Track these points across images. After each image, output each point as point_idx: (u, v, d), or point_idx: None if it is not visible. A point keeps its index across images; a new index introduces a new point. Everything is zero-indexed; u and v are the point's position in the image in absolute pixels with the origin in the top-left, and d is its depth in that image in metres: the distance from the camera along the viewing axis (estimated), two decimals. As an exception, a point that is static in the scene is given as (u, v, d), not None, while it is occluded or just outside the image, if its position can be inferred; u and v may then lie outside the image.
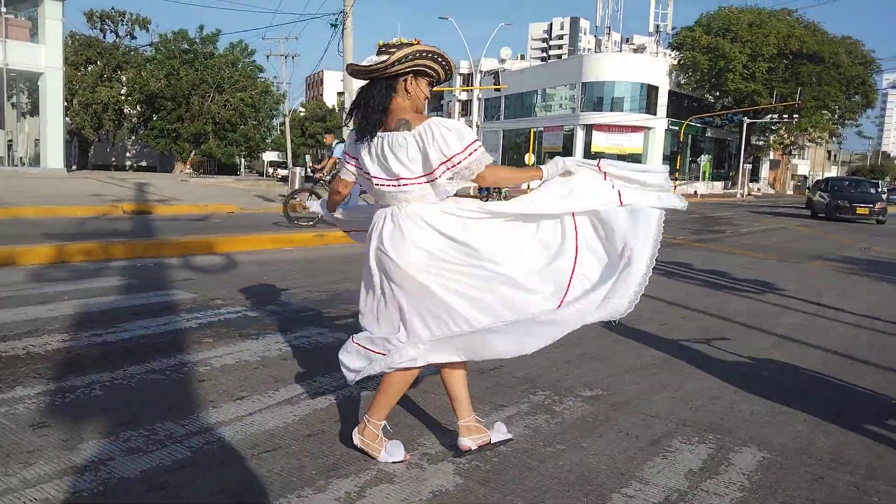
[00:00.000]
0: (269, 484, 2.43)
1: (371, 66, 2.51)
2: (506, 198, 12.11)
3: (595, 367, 4.11)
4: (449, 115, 78.71)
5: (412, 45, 2.53)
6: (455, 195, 2.58)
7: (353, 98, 2.65)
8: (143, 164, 51.78)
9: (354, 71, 2.60)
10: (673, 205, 2.72)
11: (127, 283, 5.86)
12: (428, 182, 2.50)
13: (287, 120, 43.08)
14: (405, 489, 2.44)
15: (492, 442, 2.74)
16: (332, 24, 26.33)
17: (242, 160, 49.19)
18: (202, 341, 4.17)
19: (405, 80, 2.56)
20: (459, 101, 75.77)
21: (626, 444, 2.97)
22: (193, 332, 4.36)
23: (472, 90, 51.77)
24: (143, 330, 4.34)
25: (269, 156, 44.40)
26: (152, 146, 44.48)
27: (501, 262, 2.51)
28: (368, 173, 2.59)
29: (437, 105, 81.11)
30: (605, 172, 2.66)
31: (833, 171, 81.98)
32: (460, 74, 75.86)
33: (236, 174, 52.41)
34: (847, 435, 3.21)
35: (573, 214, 2.64)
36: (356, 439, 2.68)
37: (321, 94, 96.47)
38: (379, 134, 2.54)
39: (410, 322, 2.54)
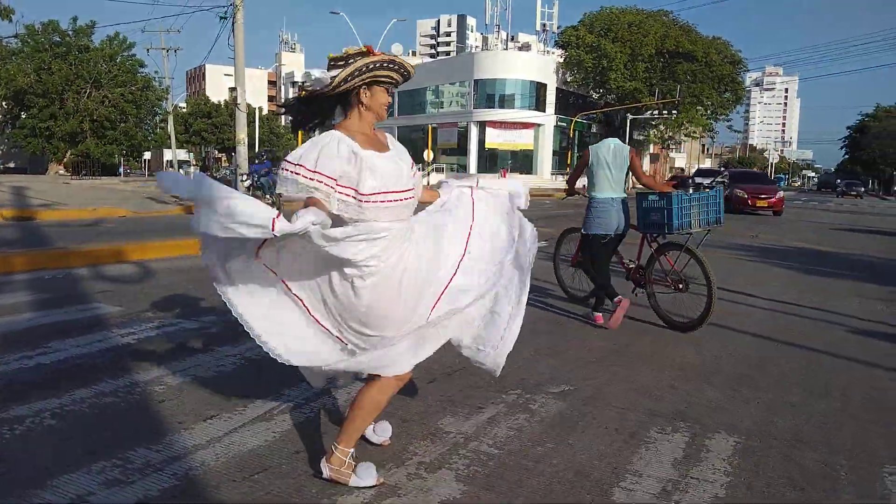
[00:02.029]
0: (273, 507, 2.31)
1: (316, 89, 2.43)
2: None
3: (552, 363, 4.19)
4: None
5: (361, 56, 2.38)
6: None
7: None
8: (12, 165, 47.84)
9: (305, 97, 2.50)
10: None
11: (39, 297, 5.41)
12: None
13: (170, 117, 41.09)
14: (414, 501, 2.40)
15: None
16: (220, 17, 25.35)
17: (122, 160, 46.40)
18: (147, 358, 3.91)
19: (358, 94, 2.44)
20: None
21: (609, 438, 3.05)
22: (134, 349, 4.08)
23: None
24: (77, 349, 4.02)
25: (179, 154, 42.03)
26: (22, 146, 41.20)
27: None
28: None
29: (328, 101, 79.93)
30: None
31: (707, 164, 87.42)
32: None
33: (116, 175, 49.52)
34: (798, 414, 3.43)
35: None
36: (325, 470, 2.48)
37: (203, 89, 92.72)
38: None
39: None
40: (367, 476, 2.49)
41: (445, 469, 2.66)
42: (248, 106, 30.15)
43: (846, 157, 74.37)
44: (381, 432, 2.88)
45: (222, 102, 59.76)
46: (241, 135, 19.77)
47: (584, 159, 5.53)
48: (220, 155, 59.34)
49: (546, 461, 2.77)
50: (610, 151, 5.39)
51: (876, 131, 60.35)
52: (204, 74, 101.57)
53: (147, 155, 49.19)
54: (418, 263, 2.43)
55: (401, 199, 2.40)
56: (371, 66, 2.37)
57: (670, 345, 4.74)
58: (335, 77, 2.36)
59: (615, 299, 5.11)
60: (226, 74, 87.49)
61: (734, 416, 3.38)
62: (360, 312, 2.35)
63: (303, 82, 2.52)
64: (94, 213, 14.23)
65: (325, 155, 2.31)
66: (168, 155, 41.91)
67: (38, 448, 2.69)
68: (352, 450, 2.51)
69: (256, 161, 19.17)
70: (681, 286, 5.33)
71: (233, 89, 23.87)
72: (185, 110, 61.97)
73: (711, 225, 5.32)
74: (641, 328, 5.20)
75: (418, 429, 3.05)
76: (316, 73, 2.44)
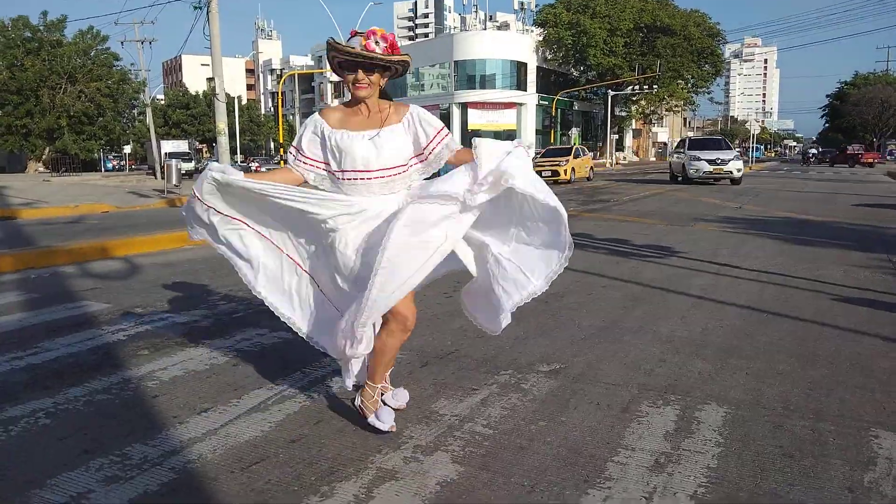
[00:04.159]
0: (272, 497, 2.33)
1: (379, 55, 2.57)
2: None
3: (542, 342, 4.22)
4: (321, 97, 77.29)
5: (397, 48, 2.66)
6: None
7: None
8: (-11, 165, 47.22)
9: (346, 51, 2.56)
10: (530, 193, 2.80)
11: (27, 297, 5.38)
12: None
13: (149, 109, 40.63)
14: (411, 484, 2.43)
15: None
16: (195, 7, 25.04)
17: (102, 154, 45.84)
18: (138, 354, 3.91)
19: (383, 73, 2.69)
20: (331, 82, 74.48)
21: (601, 413, 3.09)
22: (125, 346, 4.08)
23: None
24: (67, 348, 4.01)
25: (165, 146, 41.28)
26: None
27: None
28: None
29: (308, 87, 79.42)
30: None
31: (690, 135, 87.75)
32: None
33: (96, 170, 48.92)
34: (786, 382, 3.49)
35: None
36: (357, 399, 2.87)
37: (181, 80, 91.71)
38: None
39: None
40: (386, 419, 2.77)
41: (441, 451, 2.69)
42: (227, 95, 29.87)
43: (826, 125, 74.89)
44: (399, 398, 3.06)
45: (200, 93, 59.14)
46: (222, 125, 19.61)
47: None
48: (200, 146, 58.86)
49: (540, 439, 2.81)
50: None
51: (855, 99, 60.70)
52: (180, 65, 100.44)
53: (127, 149, 48.56)
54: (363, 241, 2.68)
55: (361, 179, 2.65)
56: (405, 62, 2.68)
57: (660, 319, 4.78)
58: (393, 53, 2.64)
59: None
60: (202, 64, 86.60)
61: (723, 387, 3.43)
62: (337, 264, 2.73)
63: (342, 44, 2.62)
64: (77, 210, 14.13)
65: (300, 135, 2.79)
66: (167, 147, 41.26)
67: (34, 448, 2.69)
68: (379, 386, 2.85)
69: None
70: None
71: (211, 79, 23.63)
72: (163, 102, 61.28)
73: None
74: (630, 304, 5.24)
75: (413, 412, 3.07)
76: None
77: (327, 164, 2.72)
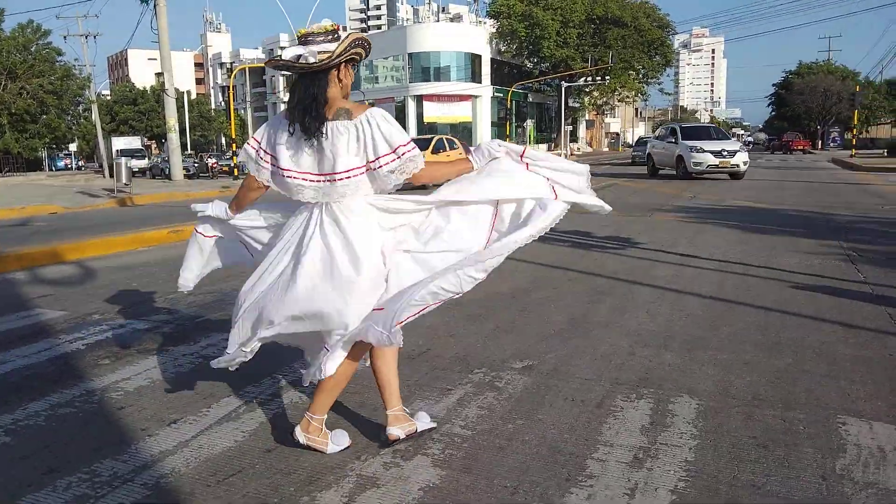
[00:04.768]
0: (252, 510, 2.28)
1: (312, 62, 2.39)
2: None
3: (513, 339, 4.22)
4: (273, 90, 76.11)
5: (342, 33, 2.47)
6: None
7: (290, 93, 2.50)
8: (-77, 165, 45.28)
9: (281, 66, 2.46)
10: (598, 206, 2.90)
11: (-25, 307, 5.16)
12: (365, 174, 2.47)
13: (94, 106, 39.46)
14: (393, 491, 2.39)
15: (418, 431, 2.74)
16: (142, 0, 24.41)
17: (49, 153, 44.38)
18: (100, 364, 3.78)
19: (338, 70, 2.49)
20: (283, 75, 73.36)
21: (577, 409, 3.10)
22: (85, 356, 3.94)
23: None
24: (23, 360, 3.85)
25: (117, 142, 40.01)
26: (-65, 144, 39.01)
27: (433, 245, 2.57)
28: (293, 169, 2.49)
29: (260, 80, 78.15)
30: (526, 163, 2.71)
31: (641, 127, 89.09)
32: (281, 48, 73.46)
33: (40, 170, 47.34)
34: (753, 372, 3.55)
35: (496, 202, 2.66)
36: (301, 437, 2.64)
37: (127, 76, 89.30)
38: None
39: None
40: (342, 440, 2.69)
41: (421, 455, 2.66)
42: (177, 91, 29.19)
43: (773, 113, 76.83)
44: (422, 419, 2.86)
45: (148, 88, 57.67)
46: (172, 121, 19.18)
47: None
48: (149, 142, 57.41)
49: (518, 438, 2.80)
50: None
51: (799, 88, 62.35)
52: (126, 60, 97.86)
53: (73, 146, 47.11)
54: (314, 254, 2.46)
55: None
56: (357, 42, 2.45)
57: (627, 312, 4.83)
58: (332, 51, 2.38)
59: None
60: (149, 59, 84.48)
61: (693, 379, 3.48)
62: None
63: (278, 57, 2.45)
64: (23, 212, 13.65)
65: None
66: (118, 143, 40.00)
67: (-5, 469, 2.58)
68: (325, 416, 2.67)
69: None
70: None
71: (159, 74, 23.01)
72: (109, 98, 59.59)
73: None
74: (596, 297, 5.28)
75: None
76: (299, 49, 2.41)
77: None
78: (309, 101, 2.41)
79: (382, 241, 2.51)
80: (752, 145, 58.82)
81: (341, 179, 2.41)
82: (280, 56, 2.46)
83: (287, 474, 2.52)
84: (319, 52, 2.38)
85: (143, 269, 6.82)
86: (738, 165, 19.07)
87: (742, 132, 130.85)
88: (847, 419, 2.95)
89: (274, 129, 2.55)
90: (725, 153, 18.97)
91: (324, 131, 2.40)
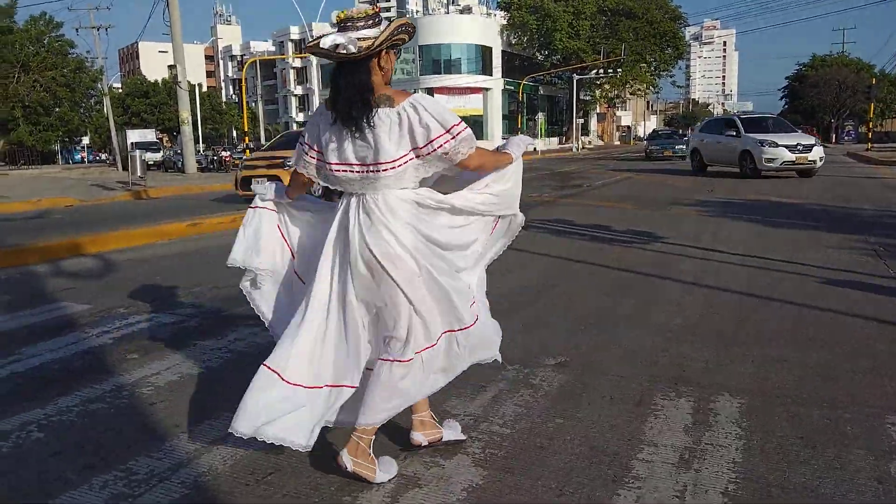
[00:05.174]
0: (294, 509, 2.23)
1: (353, 52, 2.28)
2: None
3: (542, 334, 4.16)
4: (284, 83, 76.09)
5: (385, 19, 2.39)
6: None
7: (332, 83, 2.41)
8: (-62, 158, 45.56)
9: (321, 53, 2.35)
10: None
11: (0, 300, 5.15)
12: (408, 164, 2.34)
13: (107, 99, 39.50)
14: (437, 491, 2.34)
15: (443, 440, 2.64)
16: (155, -7, 24.38)
17: (65, 146, 44.56)
18: (128, 358, 3.75)
19: (379, 57, 2.38)
20: (294, 68, 73.37)
21: (616, 408, 3.04)
22: (112, 349, 3.91)
23: (308, 56, 50.25)
24: (51, 354, 3.83)
25: (132, 135, 40.20)
26: (-50, 137, 39.23)
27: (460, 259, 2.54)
28: (337, 161, 2.38)
29: (270, 73, 78.12)
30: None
31: (652, 121, 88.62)
32: (291, 41, 73.39)
33: (54, 162, 47.53)
34: (792, 370, 3.48)
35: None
36: (348, 463, 2.34)
37: (138, 68, 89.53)
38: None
39: (412, 322, 2.38)
40: (391, 468, 2.45)
41: (461, 454, 2.61)
42: (189, 83, 29.17)
43: (786, 106, 76.15)
44: (453, 427, 2.76)
45: (160, 81, 57.75)
46: (185, 114, 19.19)
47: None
48: (161, 135, 57.57)
49: (559, 438, 2.74)
50: None
51: (813, 80, 61.81)
52: (137, 53, 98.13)
53: (86, 139, 47.25)
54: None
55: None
56: (402, 28, 2.35)
57: (653, 306, 4.76)
58: (374, 37, 2.28)
59: None
60: (160, 52, 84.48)
61: (731, 376, 3.41)
62: None
63: (316, 44, 2.33)
64: (39, 205, 13.69)
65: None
66: (133, 136, 40.11)
67: (31, 465, 2.54)
68: (373, 437, 2.43)
69: None
70: None
71: (172, 67, 22.96)
72: (120, 91, 59.74)
73: None
74: (621, 291, 5.21)
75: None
76: (339, 38, 2.28)
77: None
78: (352, 92, 2.32)
79: (415, 245, 2.37)
80: None
81: (386, 170, 2.32)
82: (318, 42, 2.36)
83: (327, 473, 2.47)
84: (360, 39, 2.28)
85: (162, 262, 6.80)
86: (815, 161, 16.52)
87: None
88: (895, 419, 2.88)
89: (316, 122, 2.46)
90: (801, 147, 16.41)
91: (369, 121, 2.31)
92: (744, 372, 3.47)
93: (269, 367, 2.37)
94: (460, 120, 2.36)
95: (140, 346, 3.98)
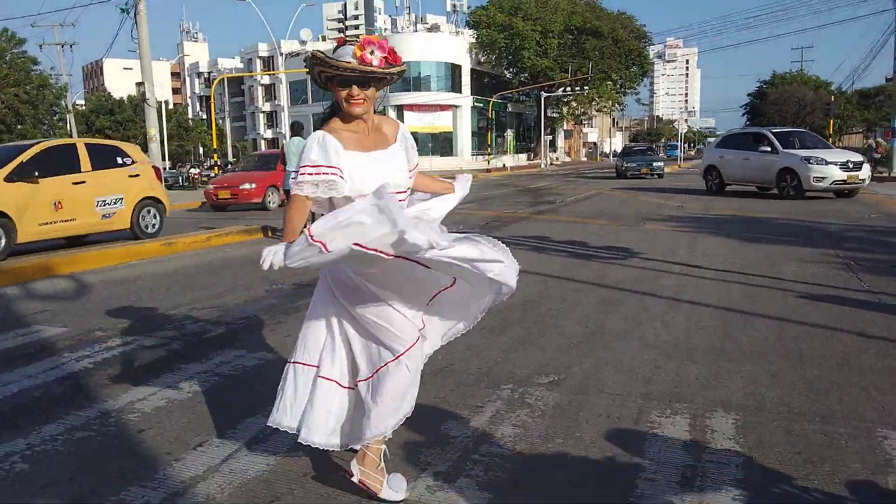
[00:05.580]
0: (298, 539, 2.17)
1: (377, 68, 2.25)
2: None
3: (532, 352, 4.15)
4: (252, 100, 75.59)
5: (398, 57, 2.34)
6: None
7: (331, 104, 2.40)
8: None
9: (338, 66, 2.24)
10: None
11: (-31, 324, 4.97)
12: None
13: (70, 116, 38.86)
14: (443, 516, 2.30)
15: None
16: (122, 10, 24.07)
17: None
18: (112, 383, 3.65)
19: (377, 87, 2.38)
20: (262, 85, 72.99)
21: (614, 426, 3.03)
22: (94, 374, 3.80)
23: (277, 74, 50.05)
24: (30, 380, 3.70)
25: None
26: None
27: None
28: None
29: (238, 90, 77.57)
30: None
31: (618, 137, 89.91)
32: (260, 58, 73.08)
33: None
34: (782, 384, 3.51)
35: None
36: (356, 472, 2.33)
37: (102, 85, 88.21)
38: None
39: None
40: (400, 487, 2.40)
41: (464, 477, 2.57)
42: (156, 100, 28.80)
43: (748, 123, 77.81)
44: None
45: (125, 98, 56.97)
46: (153, 130, 18.91)
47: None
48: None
49: (561, 458, 2.73)
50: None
51: (774, 98, 63.24)
52: (101, 69, 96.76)
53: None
54: None
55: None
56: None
57: (642, 323, 4.78)
58: (394, 66, 2.32)
59: None
60: (125, 68, 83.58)
61: (724, 392, 3.43)
62: None
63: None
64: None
65: (323, 150, 2.26)
66: None
67: (16, 500, 2.44)
68: (384, 447, 2.40)
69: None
70: None
71: (139, 84, 22.65)
72: (84, 108, 58.77)
73: None
74: (607, 308, 5.23)
75: (423, 435, 2.94)
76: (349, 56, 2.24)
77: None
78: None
79: None
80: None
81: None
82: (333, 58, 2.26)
83: (328, 499, 2.41)
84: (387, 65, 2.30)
85: (139, 283, 6.64)
86: (864, 181, 15.02)
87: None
88: (888, 433, 2.91)
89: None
90: (852, 165, 14.72)
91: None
92: (736, 387, 3.49)
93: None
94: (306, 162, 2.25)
95: (122, 370, 3.87)
